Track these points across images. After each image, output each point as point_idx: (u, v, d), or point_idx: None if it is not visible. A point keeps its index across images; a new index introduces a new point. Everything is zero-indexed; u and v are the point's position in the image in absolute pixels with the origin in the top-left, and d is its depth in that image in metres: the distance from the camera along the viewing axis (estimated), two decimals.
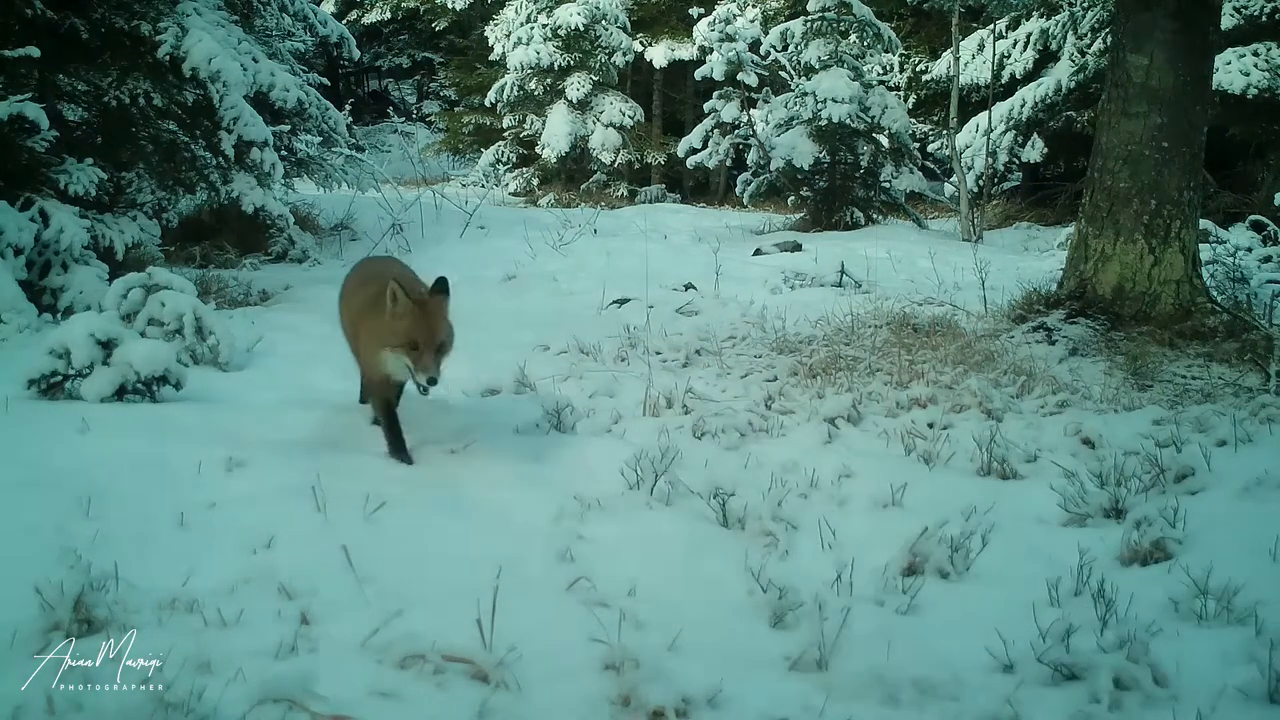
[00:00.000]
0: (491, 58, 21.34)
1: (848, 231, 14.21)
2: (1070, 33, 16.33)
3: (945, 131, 16.25)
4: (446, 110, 27.72)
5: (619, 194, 20.77)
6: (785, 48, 15.60)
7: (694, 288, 8.36)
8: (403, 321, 3.62)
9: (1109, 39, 10.84)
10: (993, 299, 7.17)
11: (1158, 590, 2.87)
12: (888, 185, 15.42)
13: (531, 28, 20.16)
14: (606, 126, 20.38)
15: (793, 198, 15.58)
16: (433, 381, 3.61)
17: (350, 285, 4.37)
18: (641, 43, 21.62)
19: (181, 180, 8.69)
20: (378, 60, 31.53)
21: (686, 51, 20.07)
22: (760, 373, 5.57)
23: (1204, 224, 8.66)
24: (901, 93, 19.64)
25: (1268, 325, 5.83)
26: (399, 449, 3.96)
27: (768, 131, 15.34)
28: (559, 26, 19.85)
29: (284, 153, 10.25)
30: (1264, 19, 13.80)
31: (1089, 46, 15.94)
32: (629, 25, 20.90)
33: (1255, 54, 13.43)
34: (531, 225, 12.24)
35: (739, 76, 15.26)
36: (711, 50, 15.46)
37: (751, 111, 15.73)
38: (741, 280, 8.90)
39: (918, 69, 20.08)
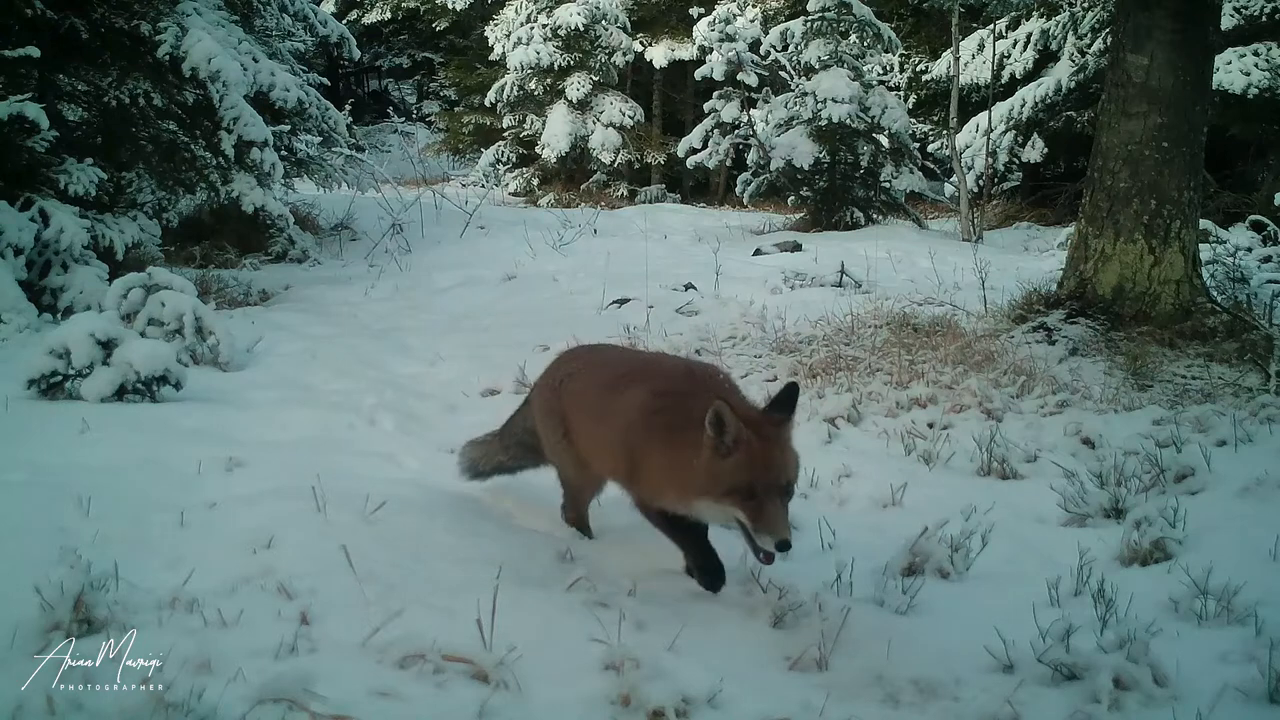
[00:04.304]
0: (491, 58, 21.33)
1: (848, 231, 14.20)
2: (1070, 33, 16.32)
3: (945, 131, 16.24)
4: (446, 110, 27.68)
5: (619, 194, 20.75)
6: (785, 48, 15.59)
7: (694, 288, 8.36)
8: (732, 459, 2.56)
9: (1109, 39, 10.83)
10: (993, 299, 7.16)
11: (1158, 590, 2.88)
12: (888, 185, 15.41)
13: (531, 28, 20.15)
14: (606, 126, 20.37)
15: (793, 198, 15.57)
16: (784, 546, 2.49)
17: (580, 388, 3.26)
18: (641, 43, 21.61)
19: (181, 180, 8.70)
20: (378, 60, 31.51)
21: (686, 51, 20.04)
22: (760, 373, 5.57)
23: (1204, 224, 8.65)
24: (901, 93, 19.60)
25: (1268, 325, 5.83)
26: (712, 572, 2.92)
27: (768, 131, 15.33)
28: (559, 26, 19.85)
29: (284, 153, 10.26)
30: (1264, 19, 13.79)
31: (1089, 46, 15.92)
32: (629, 25, 20.89)
33: (1255, 54, 13.42)
34: (531, 225, 12.24)
35: (739, 76, 15.25)
36: (711, 50, 15.46)
37: (751, 111, 15.73)
38: (741, 280, 8.90)
39: (918, 69, 20.06)
